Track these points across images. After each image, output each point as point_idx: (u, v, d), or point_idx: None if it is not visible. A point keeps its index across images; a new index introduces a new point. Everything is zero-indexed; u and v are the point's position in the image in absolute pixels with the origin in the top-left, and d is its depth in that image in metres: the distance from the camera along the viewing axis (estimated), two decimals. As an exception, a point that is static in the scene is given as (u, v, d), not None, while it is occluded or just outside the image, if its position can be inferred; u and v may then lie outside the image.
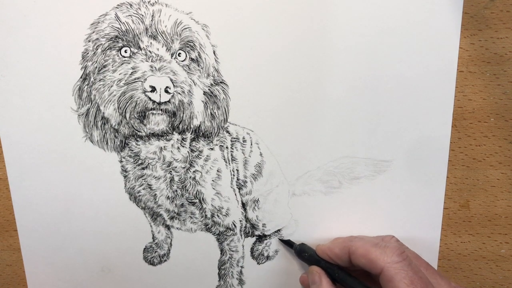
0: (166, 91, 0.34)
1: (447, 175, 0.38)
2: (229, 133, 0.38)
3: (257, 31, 0.35)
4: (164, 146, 0.37)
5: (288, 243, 0.40)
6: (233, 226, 0.40)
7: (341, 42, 0.35)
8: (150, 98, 0.34)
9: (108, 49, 0.35)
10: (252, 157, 0.38)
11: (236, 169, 0.39)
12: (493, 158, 0.38)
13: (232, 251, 0.41)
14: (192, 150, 0.38)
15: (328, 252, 0.37)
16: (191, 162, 0.38)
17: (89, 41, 0.35)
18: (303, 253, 0.39)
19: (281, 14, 0.35)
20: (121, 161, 0.38)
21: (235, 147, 0.38)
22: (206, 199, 0.39)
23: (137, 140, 0.37)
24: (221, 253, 0.41)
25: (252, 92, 0.37)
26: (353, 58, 0.36)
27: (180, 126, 0.36)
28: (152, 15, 0.34)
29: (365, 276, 0.36)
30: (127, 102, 0.35)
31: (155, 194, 0.39)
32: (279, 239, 0.40)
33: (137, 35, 0.34)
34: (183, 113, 0.35)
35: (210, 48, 0.36)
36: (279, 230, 0.40)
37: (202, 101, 0.36)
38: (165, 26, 0.34)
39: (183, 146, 0.38)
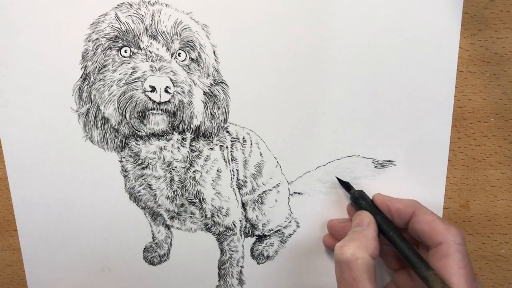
0: (166, 91, 0.34)
1: (447, 175, 0.38)
2: (229, 133, 0.38)
3: (257, 31, 0.35)
4: (164, 146, 0.38)
5: (345, 185, 0.38)
6: (233, 226, 0.40)
7: (341, 42, 0.35)
8: (150, 98, 0.34)
9: (108, 49, 0.35)
10: (252, 157, 0.38)
11: (236, 169, 0.39)
12: (493, 158, 0.38)
13: (232, 251, 0.41)
14: (192, 150, 0.38)
15: (389, 203, 0.35)
16: (191, 162, 0.38)
17: (89, 41, 0.35)
18: (361, 201, 0.36)
19: (281, 14, 0.35)
20: (121, 161, 0.38)
21: (235, 147, 0.38)
22: (206, 199, 0.39)
23: (137, 140, 0.37)
24: (221, 253, 0.41)
25: (252, 92, 0.37)
26: (353, 58, 0.36)
27: (180, 126, 0.36)
28: (152, 15, 0.34)
29: None
30: (127, 102, 0.35)
31: (155, 194, 0.39)
32: (337, 178, 0.38)
33: (137, 35, 0.34)
34: (183, 113, 0.35)
35: (210, 48, 0.36)
36: (279, 230, 0.40)
37: (202, 101, 0.36)
38: (165, 26, 0.35)
39: (183, 146, 0.38)
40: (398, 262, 0.37)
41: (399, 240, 0.33)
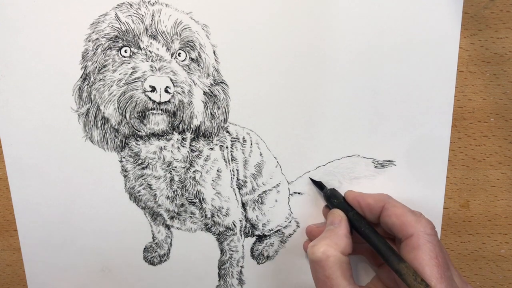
0: (166, 91, 0.34)
1: (447, 175, 0.38)
2: (229, 133, 0.38)
3: (257, 31, 0.35)
4: (164, 146, 0.38)
5: (318, 185, 0.38)
6: (233, 226, 0.40)
7: (341, 42, 0.35)
8: (150, 98, 0.34)
9: (108, 49, 0.35)
10: (252, 157, 0.38)
11: (236, 169, 0.39)
12: (493, 158, 0.38)
13: (232, 251, 0.41)
14: (192, 150, 0.38)
15: (360, 199, 0.35)
16: (191, 162, 0.38)
17: (89, 41, 0.35)
18: (333, 199, 0.37)
19: (281, 14, 0.35)
20: (121, 161, 0.38)
21: (235, 147, 0.38)
22: (206, 199, 0.39)
23: (137, 140, 0.37)
24: (221, 253, 0.41)
25: (252, 92, 0.37)
26: (353, 58, 0.36)
27: (180, 126, 0.36)
28: (152, 15, 0.34)
29: None
30: (127, 102, 0.35)
31: (155, 194, 0.39)
32: (310, 178, 0.38)
33: (137, 35, 0.34)
34: (183, 113, 0.35)
35: (210, 48, 0.36)
36: (279, 230, 0.40)
37: (202, 101, 0.36)
38: (165, 26, 0.34)
39: (183, 146, 0.38)
40: (379, 258, 0.37)
41: (371, 235, 0.33)
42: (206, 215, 0.40)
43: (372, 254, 0.38)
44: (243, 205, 0.40)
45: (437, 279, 0.29)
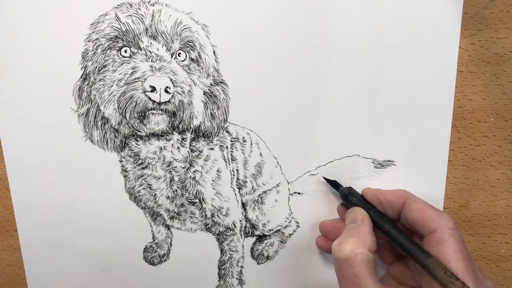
0: (166, 91, 0.34)
1: (447, 175, 0.38)
2: (229, 133, 0.38)
3: (257, 31, 0.35)
4: (164, 146, 0.38)
5: (333, 184, 0.38)
6: (233, 226, 0.40)
7: (341, 42, 0.35)
8: (150, 98, 0.34)
9: (108, 49, 0.35)
10: (252, 157, 0.38)
11: (236, 169, 0.39)
12: (493, 158, 0.38)
13: (232, 251, 0.41)
14: (192, 150, 0.38)
15: (380, 196, 0.35)
16: (191, 162, 0.38)
17: (89, 41, 0.35)
18: (351, 197, 0.36)
19: (281, 14, 0.35)
20: (121, 161, 0.38)
21: (235, 147, 0.38)
22: (206, 199, 0.39)
23: (137, 140, 0.37)
24: (221, 253, 0.41)
25: (252, 92, 0.37)
26: (353, 58, 0.36)
27: (180, 126, 0.36)
28: (152, 15, 0.34)
29: None
30: (127, 102, 0.35)
31: (155, 194, 0.39)
32: (324, 178, 0.38)
33: (137, 35, 0.34)
34: (183, 113, 0.35)
35: (210, 48, 0.36)
36: (279, 230, 0.40)
37: (202, 101, 0.36)
38: (165, 26, 0.35)
39: (183, 146, 0.38)
40: (393, 255, 0.37)
41: (395, 231, 0.33)
42: (206, 215, 0.40)
43: (385, 251, 0.38)
44: (243, 205, 0.40)
45: (463, 273, 0.29)
